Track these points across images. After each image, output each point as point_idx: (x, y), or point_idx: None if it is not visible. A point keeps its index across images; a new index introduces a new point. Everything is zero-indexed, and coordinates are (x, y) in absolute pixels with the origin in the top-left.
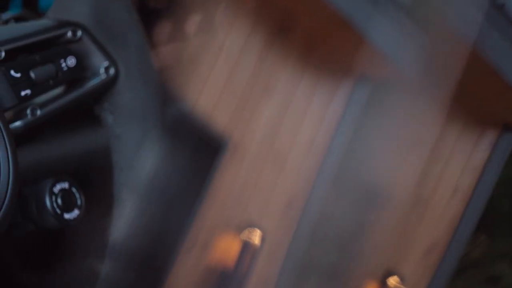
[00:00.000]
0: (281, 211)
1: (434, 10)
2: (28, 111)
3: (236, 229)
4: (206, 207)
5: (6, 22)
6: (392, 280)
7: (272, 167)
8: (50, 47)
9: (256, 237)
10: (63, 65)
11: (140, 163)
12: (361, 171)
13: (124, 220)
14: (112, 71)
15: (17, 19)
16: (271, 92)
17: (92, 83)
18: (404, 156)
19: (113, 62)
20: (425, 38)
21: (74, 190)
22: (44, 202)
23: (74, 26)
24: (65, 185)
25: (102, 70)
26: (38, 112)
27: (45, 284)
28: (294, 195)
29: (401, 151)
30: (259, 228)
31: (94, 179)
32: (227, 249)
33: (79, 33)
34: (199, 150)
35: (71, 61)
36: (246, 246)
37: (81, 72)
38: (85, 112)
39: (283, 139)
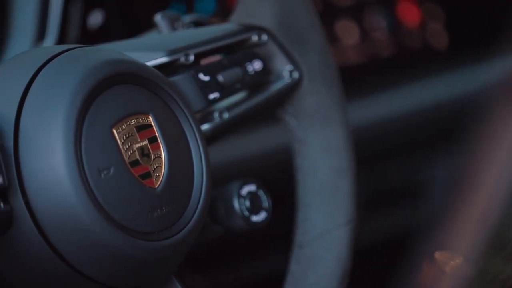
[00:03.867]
0: (475, 233)
1: None
2: (216, 115)
3: (440, 256)
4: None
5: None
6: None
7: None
8: (236, 51)
9: (455, 261)
10: (250, 68)
11: (324, 167)
12: None
13: (309, 223)
14: (296, 74)
15: (196, 24)
16: None
17: (277, 86)
18: None
19: (296, 66)
20: None
21: (261, 192)
22: (233, 204)
23: (259, 30)
24: (253, 187)
25: (286, 74)
26: (226, 116)
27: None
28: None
29: None
30: (458, 252)
31: (279, 182)
32: (431, 274)
33: (264, 37)
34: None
35: (258, 65)
36: (448, 271)
37: (266, 75)
38: (268, 115)
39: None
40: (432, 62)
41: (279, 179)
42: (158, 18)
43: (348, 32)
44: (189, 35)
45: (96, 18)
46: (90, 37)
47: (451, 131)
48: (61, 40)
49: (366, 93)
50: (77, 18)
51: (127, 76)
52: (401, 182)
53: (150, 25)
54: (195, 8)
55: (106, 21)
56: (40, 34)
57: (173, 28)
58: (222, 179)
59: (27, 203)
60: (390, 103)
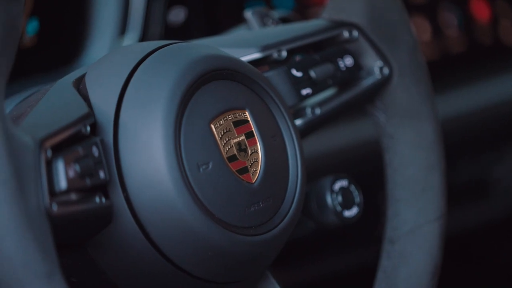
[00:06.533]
0: None
1: None
2: (308, 110)
3: None
4: None
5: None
6: None
7: None
8: (326, 47)
9: None
10: (341, 64)
11: (414, 163)
12: None
13: (400, 219)
14: (386, 70)
15: (284, 20)
16: None
17: (367, 82)
18: None
19: (387, 62)
20: None
21: (352, 188)
22: (325, 200)
23: (350, 26)
24: (345, 183)
25: (376, 70)
26: (318, 111)
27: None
28: None
29: None
30: None
31: (369, 177)
32: None
33: (355, 33)
34: None
35: (349, 61)
36: None
37: (357, 71)
38: (358, 110)
39: None
40: (503, 59)
41: (368, 174)
42: (248, 14)
43: (421, 29)
44: (281, 31)
45: (178, 15)
46: (171, 34)
47: None
48: (143, 36)
49: (437, 90)
50: (159, 15)
51: (225, 72)
52: (470, 180)
53: (230, 22)
54: (273, 4)
55: (188, 18)
56: (122, 31)
57: (263, 24)
58: (313, 173)
59: (127, 198)
60: (460, 100)
